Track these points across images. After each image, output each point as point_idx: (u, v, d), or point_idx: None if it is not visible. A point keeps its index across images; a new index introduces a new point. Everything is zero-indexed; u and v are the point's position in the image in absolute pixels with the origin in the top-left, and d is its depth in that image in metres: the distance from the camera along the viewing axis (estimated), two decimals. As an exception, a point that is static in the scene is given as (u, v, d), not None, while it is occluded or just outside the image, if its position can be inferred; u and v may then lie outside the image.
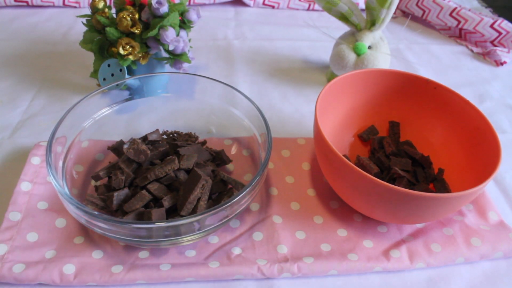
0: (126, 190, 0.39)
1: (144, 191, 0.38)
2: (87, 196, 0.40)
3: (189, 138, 0.49)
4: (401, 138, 0.52)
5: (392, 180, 0.45)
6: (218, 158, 0.46)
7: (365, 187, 0.37)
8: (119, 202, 0.39)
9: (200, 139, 0.50)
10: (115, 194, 0.39)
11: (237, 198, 0.35)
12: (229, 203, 0.34)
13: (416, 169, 0.47)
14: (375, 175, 0.44)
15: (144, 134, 0.46)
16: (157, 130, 0.46)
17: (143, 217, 0.38)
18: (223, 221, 0.36)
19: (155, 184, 0.39)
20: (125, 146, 0.41)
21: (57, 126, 0.39)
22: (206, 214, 0.34)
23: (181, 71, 0.58)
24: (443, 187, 0.45)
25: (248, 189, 0.36)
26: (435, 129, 0.50)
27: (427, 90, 0.49)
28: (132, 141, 0.41)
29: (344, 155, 0.48)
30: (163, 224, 0.33)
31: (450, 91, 0.48)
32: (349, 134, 0.52)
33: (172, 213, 0.39)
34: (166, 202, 0.38)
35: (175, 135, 0.50)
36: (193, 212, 0.38)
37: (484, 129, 0.44)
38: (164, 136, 0.50)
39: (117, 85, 0.46)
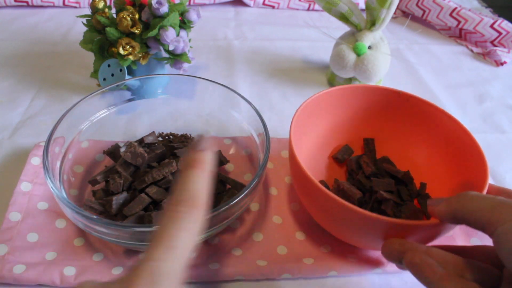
0: (125, 194, 0.39)
1: (143, 194, 0.38)
2: (85, 201, 0.40)
3: (185, 139, 0.49)
4: (377, 154, 0.49)
5: (377, 203, 0.43)
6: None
7: (352, 220, 0.34)
8: (118, 206, 0.39)
9: (196, 140, 0.49)
10: (114, 198, 0.38)
11: (236, 200, 0.35)
12: (227, 206, 0.34)
13: (398, 187, 0.45)
14: (359, 200, 0.42)
15: (144, 135, 0.46)
16: (153, 132, 0.46)
17: (143, 220, 0.37)
18: (223, 222, 0.36)
19: (154, 188, 0.39)
20: (122, 150, 0.41)
21: (54, 128, 0.39)
22: (207, 216, 0.34)
23: (181, 71, 0.58)
24: None
25: (246, 192, 0.36)
26: (412, 142, 0.48)
27: (400, 103, 0.46)
28: (129, 144, 0.41)
29: (321, 181, 0.46)
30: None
31: (424, 102, 0.45)
32: (323, 156, 0.49)
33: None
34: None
35: (171, 137, 0.49)
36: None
37: (464, 138, 0.42)
38: (160, 138, 0.49)
39: (117, 85, 0.46)
